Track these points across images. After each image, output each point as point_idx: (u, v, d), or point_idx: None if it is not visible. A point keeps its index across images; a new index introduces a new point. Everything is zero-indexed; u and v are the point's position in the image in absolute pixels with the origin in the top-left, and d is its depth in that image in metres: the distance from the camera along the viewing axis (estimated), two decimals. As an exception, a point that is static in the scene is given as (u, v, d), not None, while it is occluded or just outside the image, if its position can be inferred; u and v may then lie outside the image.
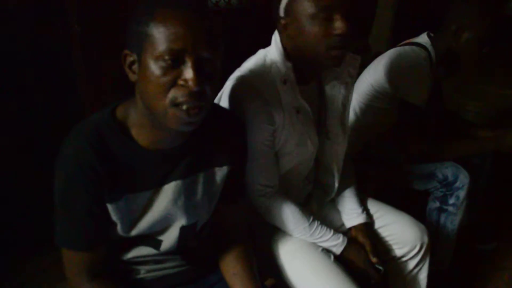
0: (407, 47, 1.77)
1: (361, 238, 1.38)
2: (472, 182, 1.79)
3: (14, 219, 1.88)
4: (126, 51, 0.88)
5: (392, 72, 1.74)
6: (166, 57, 0.82)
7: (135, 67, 0.88)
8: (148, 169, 0.97)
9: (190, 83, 0.82)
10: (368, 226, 1.43)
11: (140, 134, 0.95)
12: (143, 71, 0.85)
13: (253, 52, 1.30)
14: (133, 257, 1.06)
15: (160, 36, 0.82)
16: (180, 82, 0.83)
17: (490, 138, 1.85)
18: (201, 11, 0.86)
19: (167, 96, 0.84)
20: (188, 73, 0.83)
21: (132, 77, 0.89)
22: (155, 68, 0.83)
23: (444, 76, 1.88)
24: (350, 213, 1.44)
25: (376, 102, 1.84)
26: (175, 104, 0.85)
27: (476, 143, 1.87)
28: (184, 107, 0.85)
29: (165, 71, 0.83)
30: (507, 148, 1.75)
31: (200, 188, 1.05)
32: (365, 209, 1.47)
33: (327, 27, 1.10)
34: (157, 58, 0.82)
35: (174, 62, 0.83)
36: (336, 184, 1.44)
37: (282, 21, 1.17)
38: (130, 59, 0.88)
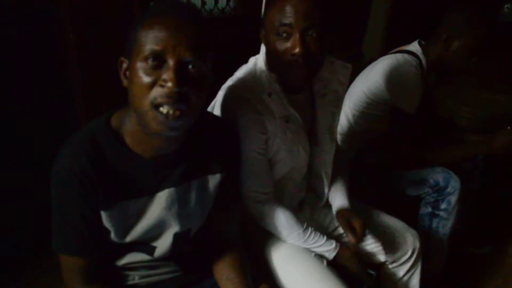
0: (398, 55, 1.79)
1: (341, 224, 1.37)
2: (464, 187, 1.81)
3: (14, 222, 1.88)
4: (122, 58, 0.92)
5: (384, 79, 1.76)
6: (149, 58, 0.85)
7: (128, 73, 0.91)
8: (142, 176, 0.98)
9: (169, 84, 0.83)
10: (348, 211, 1.41)
11: (134, 142, 0.97)
12: (131, 74, 0.88)
13: (246, 60, 1.31)
14: (127, 263, 1.07)
15: (145, 39, 0.85)
16: (160, 82, 0.85)
17: (481, 142, 1.87)
18: (188, 17, 0.88)
19: (148, 97, 0.85)
20: (168, 73, 0.84)
21: (125, 82, 0.92)
22: (139, 69, 0.86)
23: (434, 84, 1.91)
24: (334, 198, 1.45)
25: (369, 109, 1.87)
26: (155, 105, 0.85)
27: (467, 147, 1.89)
28: (164, 110, 0.85)
29: (148, 72, 0.85)
30: (497, 150, 1.77)
31: (193, 196, 1.06)
32: (348, 196, 1.46)
33: (286, 45, 1.12)
34: (141, 60, 0.85)
35: (157, 63, 0.85)
36: (326, 190, 1.46)
37: (262, 33, 1.21)
38: (124, 65, 0.92)
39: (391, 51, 1.91)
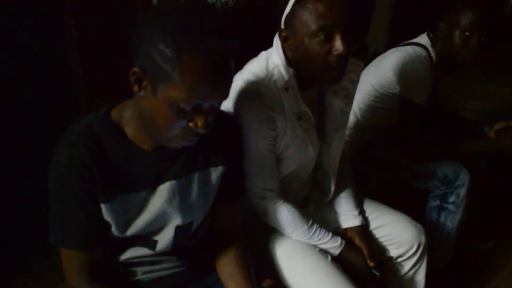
0: (408, 47, 1.78)
1: (357, 241, 1.38)
2: (470, 179, 1.80)
3: (13, 220, 1.88)
4: (138, 72, 0.85)
5: (394, 71, 1.75)
6: (185, 106, 0.84)
7: (144, 85, 0.87)
8: (143, 169, 0.97)
9: (200, 127, 0.88)
10: (364, 229, 1.44)
11: (135, 135, 0.96)
12: (155, 101, 0.86)
13: (249, 53, 1.29)
14: (129, 258, 1.06)
15: (184, 86, 0.82)
16: (191, 124, 0.88)
17: (495, 139, 1.87)
18: (226, 60, 0.86)
19: (174, 131, 0.89)
20: (201, 120, 0.88)
21: (137, 90, 0.88)
22: (170, 109, 0.85)
23: (442, 76, 1.89)
24: (347, 214, 1.44)
25: (377, 102, 1.85)
26: (178, 136, 0.90)
27: (479, 144, 1.88)
28: (189, 139, 0.92)
29: (180, 115, 0.86)
30: (508, 148, 1.77)
31: (195, 188, 1.05)
32: (362, 211, 1.47)
33: (327, 46, 1.09)
34: (175, 103, 0.84)
35: (191, 110, 0.86)
36: (332, 187, 1.44)
37: (283, 33, 1.16)
38: (139, 75, 0.86)
39: (400, 44, 1.88)
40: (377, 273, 1.34)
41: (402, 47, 1.80)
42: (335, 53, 1.09)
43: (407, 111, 1.74)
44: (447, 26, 1.71)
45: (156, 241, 1.05)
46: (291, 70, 1.19)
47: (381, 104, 1.84)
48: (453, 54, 1.72)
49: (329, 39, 1.09)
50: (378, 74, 1.82)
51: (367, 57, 2.84)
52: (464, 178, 1.77)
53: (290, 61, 1.20)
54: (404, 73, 1.72)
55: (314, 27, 1.08)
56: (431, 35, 1.81)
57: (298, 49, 1.14)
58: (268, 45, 1.26)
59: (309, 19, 1.08)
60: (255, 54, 1.29)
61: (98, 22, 2.02)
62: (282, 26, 1.16)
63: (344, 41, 1.08)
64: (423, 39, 1.81)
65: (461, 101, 3.30)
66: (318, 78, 1.19)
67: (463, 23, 1.66)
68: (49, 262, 1.80)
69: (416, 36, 1.87)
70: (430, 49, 1.76)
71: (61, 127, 0.99)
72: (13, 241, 1.86)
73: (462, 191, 1.79)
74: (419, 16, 3.78)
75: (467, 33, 1.67)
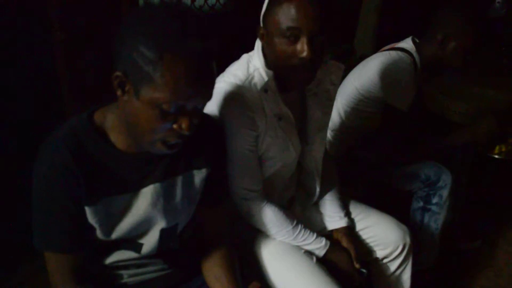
0: (392, 52, 1.78)
1: (345, 243, 1.39)
2: (454, 180, 1.82)
3: (9, 220, 1.86)
4: (121, 75, 0.85)
5: (378, 76, 1.75)
6: (168, 108, 0.84)
7: (127, 89, 0.86)
8: (126, 172, 0.97)
9: (184, 129, 0.88)
10: (351, 230, 1.45)
11: (118, 138, 0.96)
12: (138, 104, 0.85)
13: (237, 56, 1.30)
14: (115, 261, 1.06)
15: (166, 87, 0.82)
16: (176, 126, 0.88)
17: (465, 130, 1.87)
18: (207, 61, 0.86)
19: (157, 135, 0.89)
20: (185, 122, 0.87)
21: (120, 95, 0.88)
22: (153, 111, 0.85)
23: (426, 81, 1.91)
24: (333, 216, 1.45)
25: (361, 105, 1.86)
26: (163, 141, 0.90)
27: (452, 136, 1.86)
28: (172, 142, 0.91)
29: (163, 117, 0.86)
30: (480, 137, 1.81)
31: (179, 191, 1.05)
32: (348, 213, 1.48)
33: (292, 48, 1.11)
34: (157, 104, 0.84)
35: (174, 111, 0.86)
36: (318, 188, 1.45)
37: (261, 31, 1.19)
38: (121, 80, 0.86)
39: (384, 48, 1.90)
40: (364, 271, 1.35)
41: (386, 52, 1.81)
42: (299, 55, 1.10)
43: (389, 116, 1.76)
44: (444, 37, 1.69)
45: (141, 244, 1.05)
46: (270, 72, 1.21)
47: (365, 107, 1.86)
48: (446, 63, 1.74)
49: (295, 41, 1.11)
50: (362, 78, 1.83)
51: (354, 60, 2.86)
52: (446, 179, 1.79)
53: (269, 64, 1.21)
54: (387, 78, 1.73)
55: (283, 26, 1.10)
56: (416, 40, 1.81)
57: (270, 47, 1.17)
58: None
59: (280, 18, 1.11)
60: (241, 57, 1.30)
61: (83, 25, 2.00)
62: (261, 24, 1.19)
63: (310, 45, 1.09)
64: (408, 44, 1.81)
65: (446, 103, 3.32)
66: (288, 79, 1.20)
67: (464, 41, 1.67)
68: (35, 267, 1.79)
69: (403, 39, 1.88)
70: (415, 54, 1.76)
71: (46, 130, 0.99)
72: (7, 240, 1.84)
73: (445, 192, 1.80)
74: (406, 18, 3.82)
75: (466, 49, 1.69)
